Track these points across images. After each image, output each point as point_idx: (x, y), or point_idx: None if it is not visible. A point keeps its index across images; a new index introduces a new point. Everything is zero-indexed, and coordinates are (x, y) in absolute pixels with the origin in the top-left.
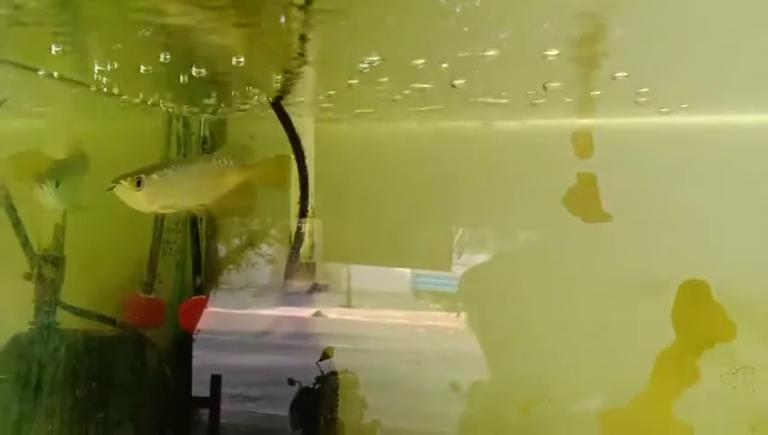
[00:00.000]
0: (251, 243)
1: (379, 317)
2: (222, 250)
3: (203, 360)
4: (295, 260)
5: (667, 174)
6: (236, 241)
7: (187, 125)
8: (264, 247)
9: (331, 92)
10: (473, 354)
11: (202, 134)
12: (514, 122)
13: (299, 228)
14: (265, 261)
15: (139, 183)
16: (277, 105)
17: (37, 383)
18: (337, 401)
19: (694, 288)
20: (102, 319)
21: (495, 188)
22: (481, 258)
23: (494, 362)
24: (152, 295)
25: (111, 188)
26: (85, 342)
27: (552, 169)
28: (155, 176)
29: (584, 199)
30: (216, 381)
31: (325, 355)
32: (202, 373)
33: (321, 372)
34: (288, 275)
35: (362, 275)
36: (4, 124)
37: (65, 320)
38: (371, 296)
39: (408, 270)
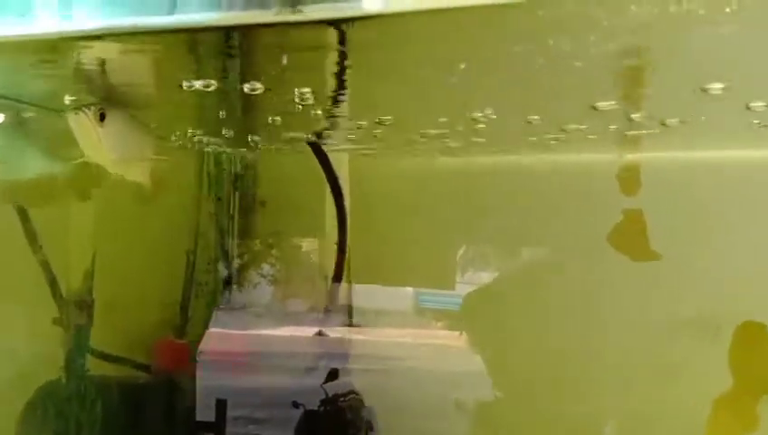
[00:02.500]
0: (253, 263)
1: (383, 336)
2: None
3: (206, 382)
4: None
5: (719, 210)
6: (238, 261)
7: (218, 163)
8: (266, 267)
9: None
10: (477, 373)
11: (233, 171)
12: (555, 156)
13: (338, 269)
14: (267, 281)
15: (102, 117)
16: (315, 144)
17: None
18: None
19: (751, 331)
20: (136, 366)
21: (535, 224)
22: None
23: (529, 397)
24: (184, 340)
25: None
26: (119, 389)
27: (595, 206)
28: (121, 114)
29: (631, 237)
30: (221, 405)
31: (331, 376)
32: (205, 396)
33: (326, 393)
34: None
35: (365, 294)
36: None
37: (93, 366)
38: (374, 315)
39: (410, 288)
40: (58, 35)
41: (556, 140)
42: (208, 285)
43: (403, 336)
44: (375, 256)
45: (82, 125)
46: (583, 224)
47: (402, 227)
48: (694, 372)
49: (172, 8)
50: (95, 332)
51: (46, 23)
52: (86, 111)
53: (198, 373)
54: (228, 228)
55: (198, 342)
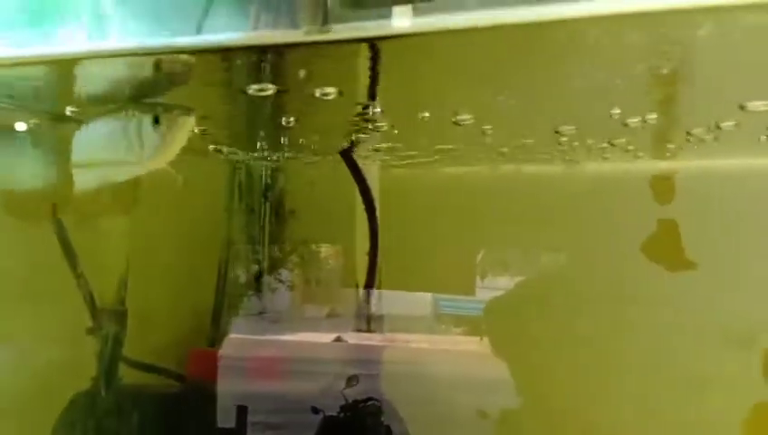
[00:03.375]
0: (272, 268)
1: (402, 342)
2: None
3: (225, 387)
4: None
5: (753, 219)
6: (256, 267)
7: (249, 174)
8: (285, 273)
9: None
10: (498, 380)
11: (264, 182)
12: (589, 164)
13: (369, 277)
14: (286, 287)
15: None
16: (347, 156)
17: None
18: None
19: None
20: (170, 374)
21: (567, 233)
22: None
23: (556, 405)
24: (216, 348)
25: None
26: (154, 399)
27: (629, 215)
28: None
29: (665, 247)
30: (242, 412)
31: (350, 382)
32: (224, 401)
33: (346, 399)
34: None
35: (384, 300)
36: None
37: (127, 375)
38: (392, 321)
39: (430, 294)
40: (88, 54)
41: (589, 150)
42: (240, 297)
43: (422, 342)
44: (403, 264)
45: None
46: (616, 233)
47: (430, 234)
48: (728, 382)
49: (200, 27)
50: (129, 341)
51: (77, 42)
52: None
53: (219, 379)
54: (260, 238)
55: None
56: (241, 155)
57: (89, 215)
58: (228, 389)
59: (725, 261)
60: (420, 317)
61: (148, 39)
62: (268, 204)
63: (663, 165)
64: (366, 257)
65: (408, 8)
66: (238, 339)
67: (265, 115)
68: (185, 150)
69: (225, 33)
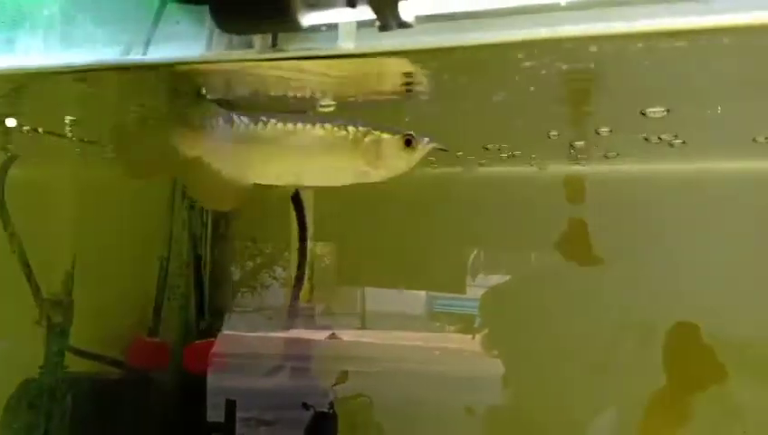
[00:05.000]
0: (266, 265)
1: (395, 339)
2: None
3: (217, 383)
4: (296, 304)
5: (655, 219)
6: (251, 263)
7: None
8: (279, 270)
9: None
10: (487, 377)
11: None
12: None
13: (299, 275)
14: (280, 283)
15: (408, 143)
16: None
17: (46, 428)
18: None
19: (683, 331)
20: (111, 362)
21: (489, 231)
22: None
23: None
24: (157, 339)
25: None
26: (90, 384)
27: (544, 214)
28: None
29: (575, 244)
30: (231, 406)
31: (340, 379)
32: (216, 397)
33: (336, 395)
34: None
35: (377, 298)
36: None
37: (73, 363)
38: (387, 318)
39: (423, 292)
40: (39, 70)
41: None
42: (181, 289)
43: (415, 340)
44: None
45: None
46: (533, 231)
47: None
48: (630, 369)
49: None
50: (76, 331)
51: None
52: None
53: (210, 375)
54: (202, 235)
55: (172, 342)
56: None
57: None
58: (219, 385)
59: (629, 257)
60: (414, 316)
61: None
62: None
63: (575, 168)
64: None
65: (352, 31)
66: (230, 336)
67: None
68: None
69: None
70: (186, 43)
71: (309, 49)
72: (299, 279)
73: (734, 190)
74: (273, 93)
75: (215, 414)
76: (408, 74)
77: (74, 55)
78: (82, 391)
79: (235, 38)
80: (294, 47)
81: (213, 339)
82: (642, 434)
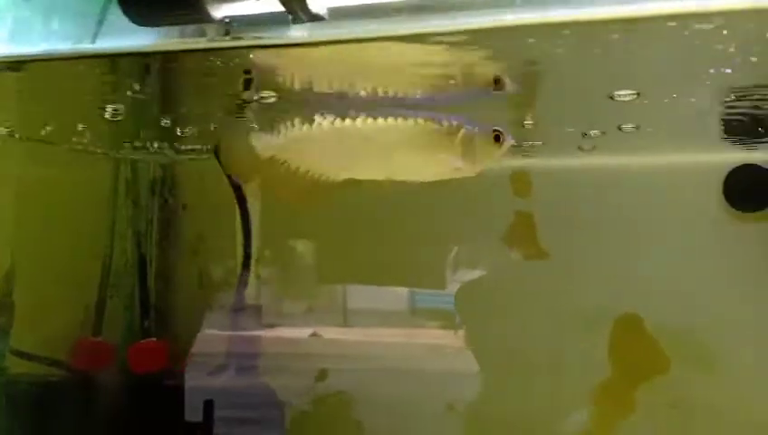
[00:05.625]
0: (244, 263)
1: (377, 336)
2: (175, 292)
3: (195, 382)
4: (241, 303)
5: (600, 212)
6: (230, 262)
7: (135, 169)
8: (260, 269)
9: None
10: (467, 373)
11: (151, 177)
12: None
13: (243, 273)
14: (260, 282)
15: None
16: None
17: None
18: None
19: (628, 322)
20: (52, 363)
21: (439, 223)
22: None
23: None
24: (100, 339)
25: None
26: (28, 386)
27: (492, 208)
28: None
29: (522, 237)
30: (208, 406)
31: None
32: (194, 397)
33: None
34: (234, 319)
35: (359, 295)
36: None
37: (14, 366)
38: (369, 315)
39: (405, 289)
40: None
41: None
42: (124, 288)
43: (397, 337)
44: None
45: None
46: (481, 224)
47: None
48: (577, 361)
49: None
50: (19, 333)
51: None
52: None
53: (188, 374)
54: (147, 232)
55: (116, 343)
56: (127, 151)
57: None
58: (198, 384)
59: (575, 251)
60: (397, 312)
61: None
62: (156, 198)
63: (521, 162)
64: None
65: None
66: (210, 335)
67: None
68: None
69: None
70: (138, 34)
71: (261, 38)
72: (243, 276)
73: (677, 183)
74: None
75: (193, 414)
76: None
77: (18, 47)
78: (22, 393)
79: (188, 27)
80: (248, 35)
81: (156, 339)
82: (591, 425)
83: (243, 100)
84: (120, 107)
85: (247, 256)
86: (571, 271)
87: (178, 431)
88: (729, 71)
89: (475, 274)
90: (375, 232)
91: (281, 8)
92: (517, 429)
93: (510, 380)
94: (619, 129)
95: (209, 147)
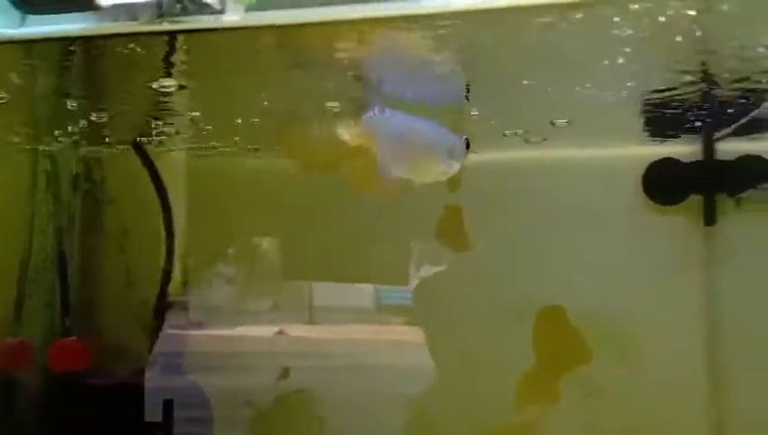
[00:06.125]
0: (209, 262)
1: (342, 333)
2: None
3: (156, 383)
4: (164, 299)
5: (525, 205)
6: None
7: (54, 162)
8: (223, 267)
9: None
10: (425, 369)
11: (73, 171)
12: None
13: (166, 268)
14: (224, 280)
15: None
16: (138, 146)
17: None
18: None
19: (551, 314)
20: None
21: (370, 218)
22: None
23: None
24: (18, 338)
25: None
26: None
27: (423, 202)
28: None
29: (451, 231)
30: (168, 405)
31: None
32: (155, 397)
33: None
34: (158, 314)
35: (325, 292)
36: None
37: None
38: (335, 312)
39: (371, 285)
40: None
41: None
42: (44, 285)
43: (363, 333)
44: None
45: None
46: (413, 217)
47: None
48: (502, 351)
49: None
50: None
51: None
52: None
53: (149, 374)
54: (69, 228)
55: (35, 341)
56: (45, 144)
57: None
58: (159, 384)
59: (501, 243)
60: (363, 309)
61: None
62: (79, 193)
63: None
64: None
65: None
66: (172, 335)
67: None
68: None
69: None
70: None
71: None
72: (167, 272)
73: (600, 177)
74: None
75: (153, 414)
76: None
77: None
78: None
79: (122, 12)
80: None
81: (78, 338)
82: (515, 415)
83: (163, 88)
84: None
85: (170, 252)
86: (498, 263)
87: (104, 431)
88: (649, 68)
89: (436, 269)
90: (336, 227)
91: None
92: (448, 421)
93: (440, 372)
94: (552, 124)
95: (132, 139)
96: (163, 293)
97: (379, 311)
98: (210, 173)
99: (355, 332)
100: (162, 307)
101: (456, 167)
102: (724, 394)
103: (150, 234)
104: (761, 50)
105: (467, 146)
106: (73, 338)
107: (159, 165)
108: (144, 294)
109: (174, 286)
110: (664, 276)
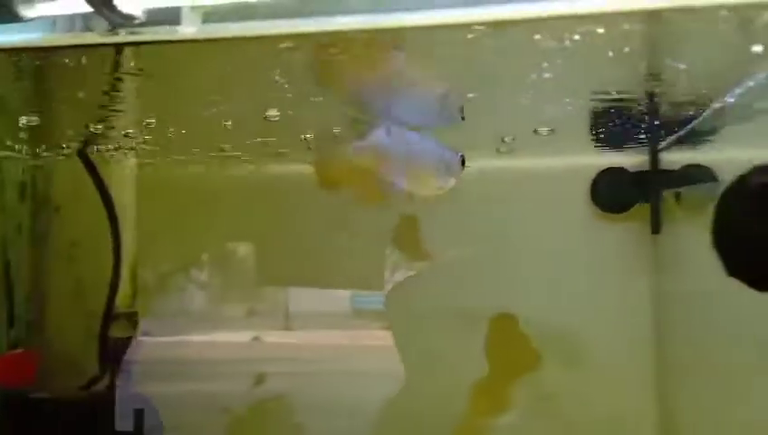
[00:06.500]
0: (183, 268)
1: (319, 339)
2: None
3: (128, 391)
4: (111, 311)
5: (479, 215)
6: (166, 266)
7: (0, 170)
8: (195, 273)
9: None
10: (394, 374)
11: (20, 180)
12: None
13: (113, 279)
14: (198, 286)
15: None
16: (83, 154)
17: None
18: None
19: (503, 321)
20: None
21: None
22: None
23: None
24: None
25: None
26: None
27: (379, 211)
28: None
29: (407, 239)
30: (139, 414)
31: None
32: (126, 405)
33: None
34: (105, 328)
35: (301, 298)
36: None
37: None
38: (312, 318)
39: (347, 291)
40: None
41: None
42: None
43: (339, 339)
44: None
45: None
46: (368, 226)
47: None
48: (455, 359)
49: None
50: None
51: None
52: None
53: (120, 382)
54: (15, 238)
55: None
56: None
57: None
58: (131, 393)
59: (456, 252)
60: (339, 314)
61: None
62: (27, 202)
63: None
64: None
65: (197, 17)
66: (146, 341)
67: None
68: None
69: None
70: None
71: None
72: (114, 283)
73: (549, 186)
74: None
75: (124, 424)
76: None
77: None
78: None
79: (76, 23)
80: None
81: (24, 350)
82: (466, 422)
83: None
84: None
85: (117, 263)
86: (452, 272)
87: None
88: (595, 80)
89: (410, 274)
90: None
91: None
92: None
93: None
94: (503, 140)
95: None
96: (110, 304)
97: (355, 316)
98: (161, 181)
99: (331, 337)
100: (108, 319)
101: (452, 182)
102: (670, 398)
103: (100, 243)
104: (701, 63)
105: (462, 163)
106: (20, 350)
107: (110, 173)
108: (93, 305)
109: (123, 297)
110: (612, 283)
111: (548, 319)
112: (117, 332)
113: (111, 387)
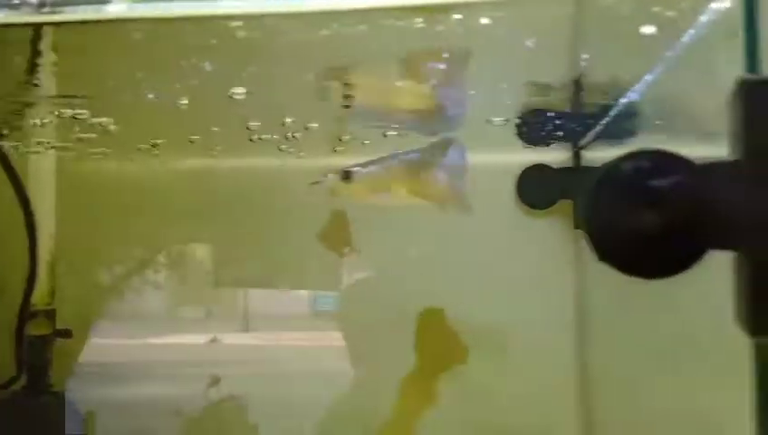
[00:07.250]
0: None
1: (277, 340)
2: None
3: (79, 395)
4: (27, 307)
5: (409, 209)
6: (120, 267)
7: None
8: (151, 274)
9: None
10: (342, 372)
11: None
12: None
13: (30, 277)
14: (153, 288)
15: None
16: None
17: None
18: None
19: (431, 315)
20: None
21: (257, 224)
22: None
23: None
24: None
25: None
26: None
27: (307, 207)
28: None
29: (336, 236)
30: (89, 418)
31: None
32: (76, 409)
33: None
34: (21, 326)
35: (260, 299)
36: None
37: None
38: (271, 320)
39: (305, 292)
40: None
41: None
42: None
43: (298, 340)
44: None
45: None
46: (297, 223)
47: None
48: (385, 355)
49: None
50: None
51: None
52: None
53: (72, 386)
54: None
55: None
56: None
57: None
58: (82, 396)
59: (386, 247)
60: (299, 315)
61: None
62: None
63: (335, 160)
64: None
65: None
66: (99, 344)
67: None
68: None
69: None
70: None
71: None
72: (30, 280)
73: (478, 183)
74: None
75: (73, 428)
76: None
77: None
78: None
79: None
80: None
81: None
82: (396, 416)
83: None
84: None
85: (33, 259)
86: (382, 266)
87: None
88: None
89: (369, 273)
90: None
91: None
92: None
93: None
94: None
95: None
96: (26, 301)
97: (314, 317)
98: (82, 175)
99: (290, 338)
100: (24, 317)
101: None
102: (594, 391)
103: (21, 239)
104: (620, 60)
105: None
106: None
107: (30, 167)
108: (12, 302)
109: (40, 295)
110: (537, 278)
111: (475, 313)
112: (34, 330)
113: (28, 387)
